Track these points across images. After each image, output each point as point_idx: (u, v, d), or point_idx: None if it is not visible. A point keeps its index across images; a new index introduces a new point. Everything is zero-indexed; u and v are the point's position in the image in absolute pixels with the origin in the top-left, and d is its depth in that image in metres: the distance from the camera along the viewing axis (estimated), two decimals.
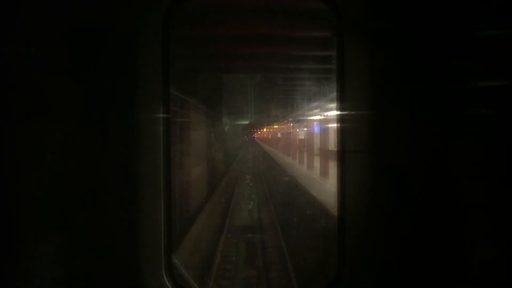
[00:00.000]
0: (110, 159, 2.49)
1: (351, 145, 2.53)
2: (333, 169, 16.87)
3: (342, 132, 2.57)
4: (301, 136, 30.34)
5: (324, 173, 20.10)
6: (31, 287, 2.42)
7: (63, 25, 2.41)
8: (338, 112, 2.59)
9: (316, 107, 20.46)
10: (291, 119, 32.33)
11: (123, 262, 2.49)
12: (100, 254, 2.47)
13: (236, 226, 14.59)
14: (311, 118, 23.74)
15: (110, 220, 2.48)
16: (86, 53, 2.44)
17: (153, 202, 2.52)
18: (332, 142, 18.76)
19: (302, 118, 26.63)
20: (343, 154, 2.55)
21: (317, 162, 22.49)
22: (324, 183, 17.75)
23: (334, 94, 2.61)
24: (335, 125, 2.80)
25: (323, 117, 20.95)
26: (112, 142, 2.50)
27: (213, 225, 14.72)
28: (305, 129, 28.02)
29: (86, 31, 2.41)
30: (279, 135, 47.25)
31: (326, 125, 20.87)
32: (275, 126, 46.67)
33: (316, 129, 23.80)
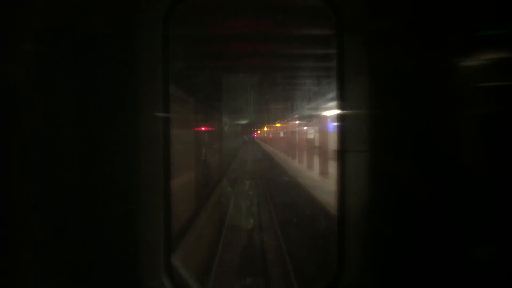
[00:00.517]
0: (109, 158, 2.53)
1: (351, 144, 2.57)
2: None
3: (342, 131, 2.60)
4: (310, 135, 26.26)
5: None
6: (30, 286, 2.44)
7: (62, 24, 2.44)
8: (338, 111, 2.62)
9: (331, 100, 16.86)
10: (296, 116, 28.60)
11: (121, 262, 2.53)
12: (99, 254, 2.50)
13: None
14: (324, 114, 20.34)
15: (108, 219, 2.51)
16: (86, 52, 2.47)
17: (153, 201, 2.56)
18: None
19: (312, 114, 22.68)
20: (343, 154, 2.58)
21: (332, 167, 18.50)
22: None
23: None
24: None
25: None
26: (112, 142, 2.54)
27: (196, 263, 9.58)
28: (316, 127, 24.09)
29: (86, 31, 2.44)
30: (281, 135, 45.24)
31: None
32: (277, 125, 45.25)
33: (331, 127, 20.45)
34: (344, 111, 2.59)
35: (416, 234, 2.43)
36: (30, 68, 2.45)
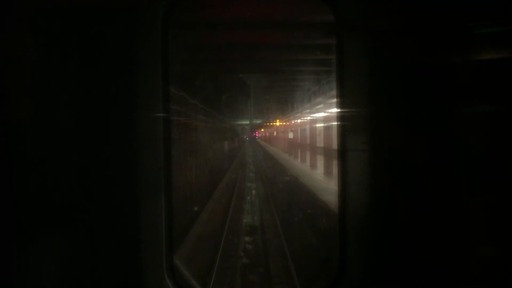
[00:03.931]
0: (110, 159, 2.62)
1: (351, 143, 2.66)
2: None
3: (342, 131, 2.70)
4: (326, 133, 20.38)
5: None
6: (31, 287, 2.51)
7: (62, 25, 2.55)
8: (338, 111, 2.69)
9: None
10: (308, 111, 24.58)
11: (124, 262, 2.63)
12: (101, 254, 2.60)
13: None
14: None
15: (110, 220, 2.61)
16: (86, 53, 2.58)
17: (154, 202, 2.66)
18: None
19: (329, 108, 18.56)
20: (344, 153, 2.66)
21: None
22: None
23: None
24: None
25: None
26: (112, 142, 2.64)
27: None
28: (335, 122, 19.04)
29: (86, 31, 2.54)
30: (287, 134, 42.62)
31: None
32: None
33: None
34: (344, 110, 2.68)
35: (417, 233, 2.53)
36: (30, 68, 2.57)
